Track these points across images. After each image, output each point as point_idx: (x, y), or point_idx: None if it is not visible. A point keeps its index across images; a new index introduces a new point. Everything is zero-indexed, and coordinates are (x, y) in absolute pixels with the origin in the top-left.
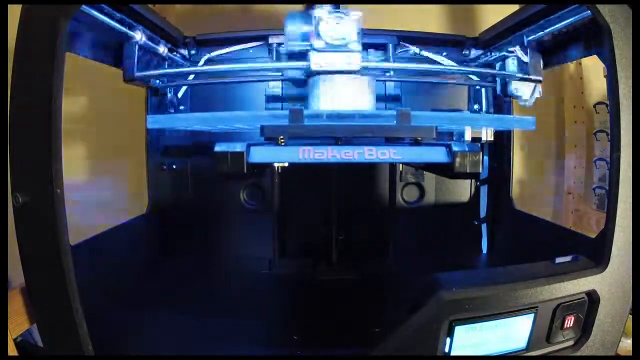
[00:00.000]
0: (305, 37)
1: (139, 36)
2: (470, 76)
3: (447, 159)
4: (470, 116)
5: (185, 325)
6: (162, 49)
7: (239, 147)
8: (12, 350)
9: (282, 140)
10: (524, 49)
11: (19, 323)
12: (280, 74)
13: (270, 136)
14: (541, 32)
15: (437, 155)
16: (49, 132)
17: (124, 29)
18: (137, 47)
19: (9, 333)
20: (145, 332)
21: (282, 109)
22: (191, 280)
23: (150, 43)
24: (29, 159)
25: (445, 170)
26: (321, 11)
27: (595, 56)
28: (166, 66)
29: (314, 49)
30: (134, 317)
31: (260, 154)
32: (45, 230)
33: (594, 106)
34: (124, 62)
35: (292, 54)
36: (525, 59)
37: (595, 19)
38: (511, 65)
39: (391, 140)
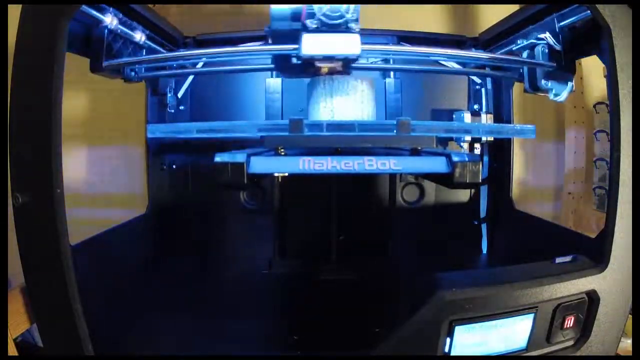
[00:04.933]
0: (295, 17)
1: (109, 20)
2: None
3: (447, 169)
4: (469, 126)
5: (185, 325)
6: (139, 36)
7: (239, 157)
8: (12, 350)
9: (282, 151)
10: (555, 36)
11: (19, 323)
12: (271, 65)
13: (270, 147)
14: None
15: (437, 165)
16: (49, 132)
17: (92, 11)
18: (106, 31)
19: (9, 333)
20: (145, 332)
21: (281, 109)
22: (191, 280)
23: (122, 27)
24: (29, 159)
25: (444, 180)
26: None
27: (595, 56)
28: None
29: (306, 30)
30: (134, 317)
31: (260, 165)
32: (45, 230)
33: (594, 106)
34: (90, 50)
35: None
36: (558, 46)
37: (595, 19)
38: (540, 54)
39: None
